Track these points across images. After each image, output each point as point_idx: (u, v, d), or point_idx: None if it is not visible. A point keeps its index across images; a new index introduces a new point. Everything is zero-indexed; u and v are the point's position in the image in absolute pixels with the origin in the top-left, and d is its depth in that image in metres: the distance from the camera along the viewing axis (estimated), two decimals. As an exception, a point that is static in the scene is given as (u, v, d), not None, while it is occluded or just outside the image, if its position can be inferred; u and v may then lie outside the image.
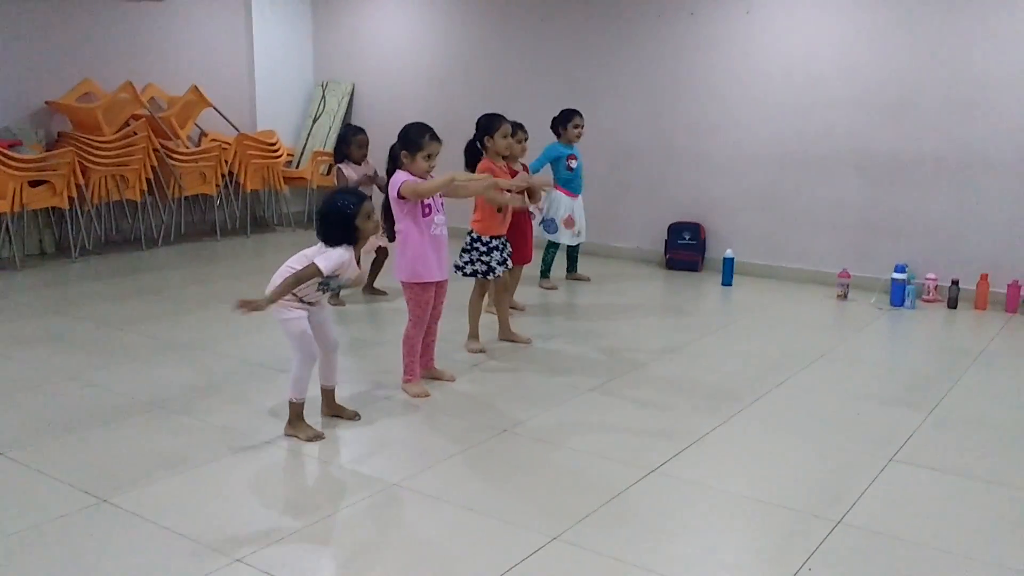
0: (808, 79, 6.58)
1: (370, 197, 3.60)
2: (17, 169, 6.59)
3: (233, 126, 8.49)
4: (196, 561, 2.62)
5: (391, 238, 4.16)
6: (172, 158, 7.68)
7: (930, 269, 6.20)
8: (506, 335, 4.98)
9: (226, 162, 8.20)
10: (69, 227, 7.21)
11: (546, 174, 6.10)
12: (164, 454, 3.41)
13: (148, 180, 7.61)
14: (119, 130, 7.36)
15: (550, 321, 5.56)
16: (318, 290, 3.51)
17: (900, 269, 6.09)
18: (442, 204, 4.07)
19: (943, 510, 3.05)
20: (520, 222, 5.16)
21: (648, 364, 4.66)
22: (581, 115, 6.24)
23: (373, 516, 2.97)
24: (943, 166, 6.15)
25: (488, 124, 4.64)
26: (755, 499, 3.10)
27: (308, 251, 3.48)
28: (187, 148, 7.90)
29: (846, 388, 4.34)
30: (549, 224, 6.26)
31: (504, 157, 4.76)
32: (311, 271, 3.39)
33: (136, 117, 7.55)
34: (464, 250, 4.67)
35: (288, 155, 8.98)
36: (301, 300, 3.50)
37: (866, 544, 2.79)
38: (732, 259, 6.69)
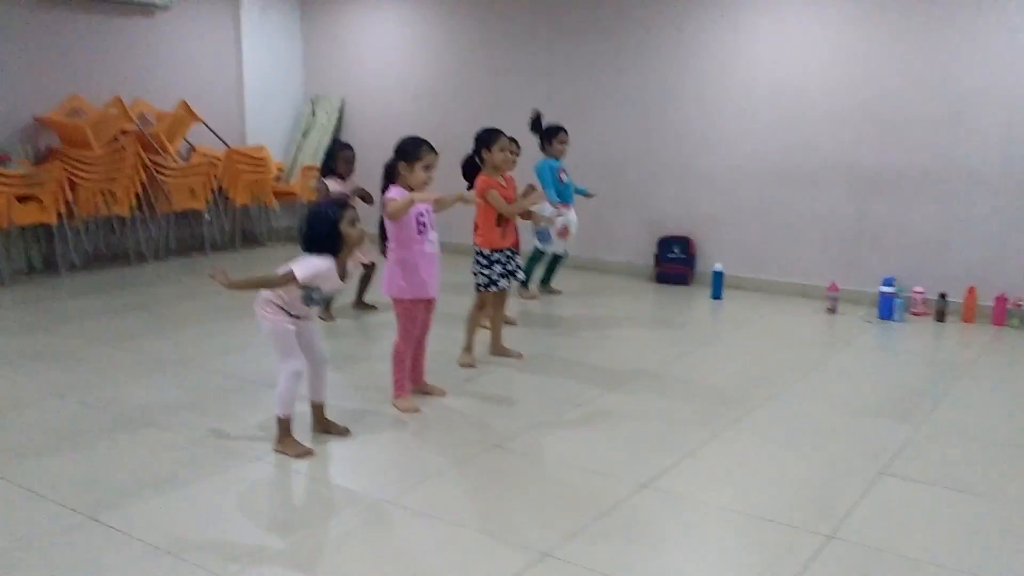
0: (796, 93, 6.63)
1: (354, 207, 3.58)
2: (5, 184, 6.57)
3: (223, 141, 8.49)
4: (184, 580, 2.60)
5: (385, 254, 4.15)
6: (161, 173, 7.67)
7: (918, 282, 6.23)
8: (498, 350, 4.98)
9: (215, 177, 8.19)
10: (57, 243, 7.18)
11: (537, 189, 6.11)
12: (152, 471, 3.38)
13: (137, 195, 7.59)
14: (108, 145, 7.35)
15: (541, 335, 5.56)
16: (304, 303, 3.50)
17: (888, 282, 6.12)
18: (434, 222, 4.07)
19: (934, 523, 3.06)
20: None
21: (638, 378, 4.66)
22: (566, 131, 6.26)
23: (362, 533, 2.95)
24: (930, 179, 6.19)
25: (487, 138, 4.66)
26: (746, 513, 3.09)
27: (292, 262, 3.46)
28: (176, 163, 7.89)
29: (836, 401, 4.34)
30: (543, 234, 6.24)
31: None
32: (283, 279, 3.36)
33: (125, 132, 7.54)
34: (474, 266, 4.74)
35: (278, 170, 8.98)
36: (287, 312, 3.49)
37: (858, 558, 2.79)
38: (721, 273, 6.71)
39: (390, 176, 4.01)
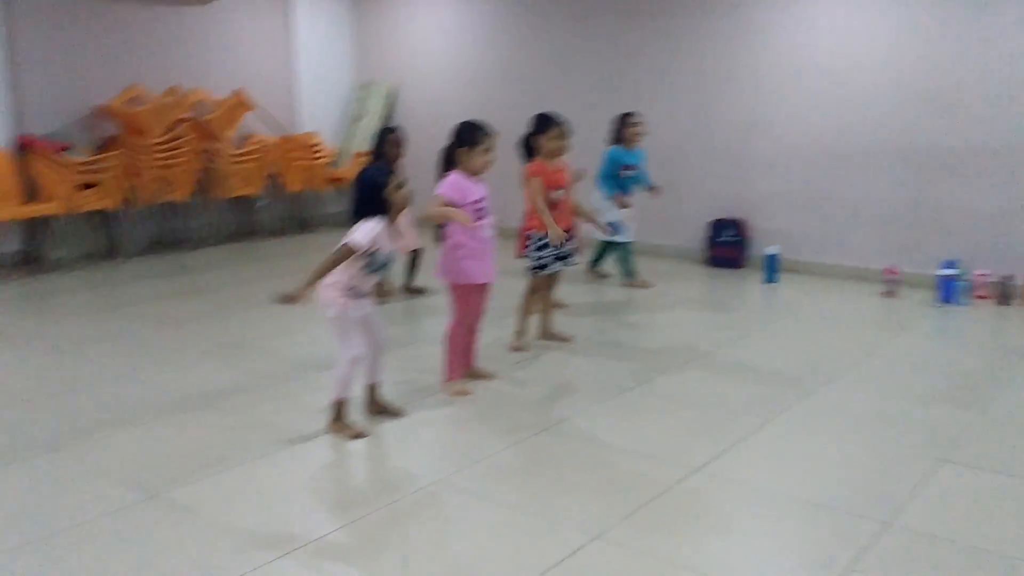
0: (851, 73, 6.47)
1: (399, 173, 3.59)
2: (68, 172, 6.75)
3: (279, 127, 8.61)
4: (240, 556, 2.67)
5: (439, 239, 4.17)
6: (217, 160, 7.81)
7: (980, 264, 6.06)
8: (548, 333, 4.98)
9: (269, 164, 8.31)
10: (118, 229, 7.36)
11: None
12: (211, 452, 3.47)
13: (194, 182, 7.75)
14: (166, 133, 7.51)
15: (591, 319, 5.54)
16: (368, 272, 3.51)
17: (949, 264, 5.96)
18: (488, 207, 4.08)
19: (994, 511, 2.99)
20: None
21: (691, 362, 4.63)
22: (632, 115, 6.24)
23: (418, 514, 2.99)
24: (992, 158, 6.00)
25: (541, 124, 4.65)
26: (801, 499, 3.06)
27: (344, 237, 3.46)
28: (231, 150, 8.03)
29: (894, 387, 4.26)
30: (616, 225, 6.13)
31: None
32: (344, 251, 3.37)
33: (182, 120, 7.69)
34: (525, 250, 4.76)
35: (331, 156, 9.07)
36: (353, 291, 3.50)
37: (915, 546, 2.74)
38: (775, 256, 6.61)
39: (449, 162, 4.02)
